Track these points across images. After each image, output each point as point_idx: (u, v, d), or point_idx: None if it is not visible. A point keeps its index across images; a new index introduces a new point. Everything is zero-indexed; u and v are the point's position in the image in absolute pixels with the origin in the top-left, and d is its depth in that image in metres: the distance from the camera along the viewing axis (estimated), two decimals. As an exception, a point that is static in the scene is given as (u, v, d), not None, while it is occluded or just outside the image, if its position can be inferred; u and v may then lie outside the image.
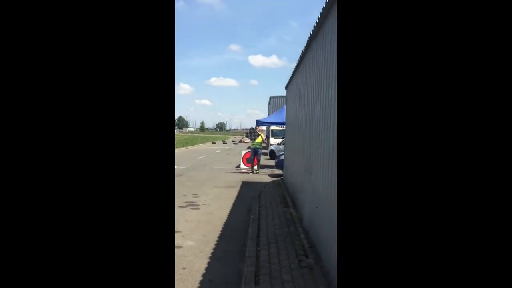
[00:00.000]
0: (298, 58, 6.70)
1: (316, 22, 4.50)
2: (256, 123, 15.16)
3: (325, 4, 3.85)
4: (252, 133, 13.28)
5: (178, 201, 7.24)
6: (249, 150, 12.83)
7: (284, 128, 12.49)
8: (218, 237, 4.88)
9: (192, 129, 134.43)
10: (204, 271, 3.70)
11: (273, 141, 21.21)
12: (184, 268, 3.77)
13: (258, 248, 4.23)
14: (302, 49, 6.01)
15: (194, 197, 7.78)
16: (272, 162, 14.80)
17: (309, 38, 5.23)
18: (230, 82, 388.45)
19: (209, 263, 3.94)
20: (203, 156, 19.60)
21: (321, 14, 4.16)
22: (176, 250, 4.29)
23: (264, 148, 15.47)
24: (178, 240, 4.70)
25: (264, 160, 13.75)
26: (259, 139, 12.77)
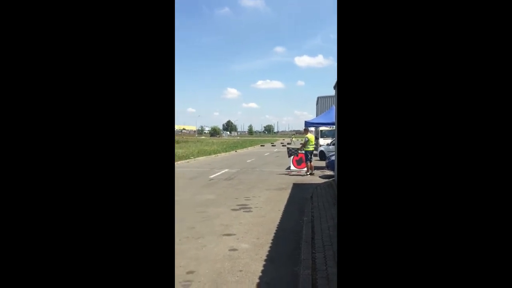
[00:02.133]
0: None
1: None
2: (305, 124, 15.02)
3: None
4: (291, 152, 13.28)
5: (231, 204, 7.38)
6: (301, 151, 12.71)
7: (334, 128, 12.21)
8: (272, 240, 4.89)
9: (228, 133, 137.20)
10: (260, 274, 3.72)
11: (323, 141, 20.86)
12: (240, 271, 3.82)
13: (313, 251, 4.17)
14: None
15: (246, 200, 7.88)
16: (323, 163, 14.58)
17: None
18: (277, 84, 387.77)
19: (264, 265, 3.96)
20: (252, 159, 19.80)
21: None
22: (231, 253, 4.37)
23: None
24: (233, 242, 4.79)
25: (314, 161, 13.56)
26: (311, 138, 12.38)
